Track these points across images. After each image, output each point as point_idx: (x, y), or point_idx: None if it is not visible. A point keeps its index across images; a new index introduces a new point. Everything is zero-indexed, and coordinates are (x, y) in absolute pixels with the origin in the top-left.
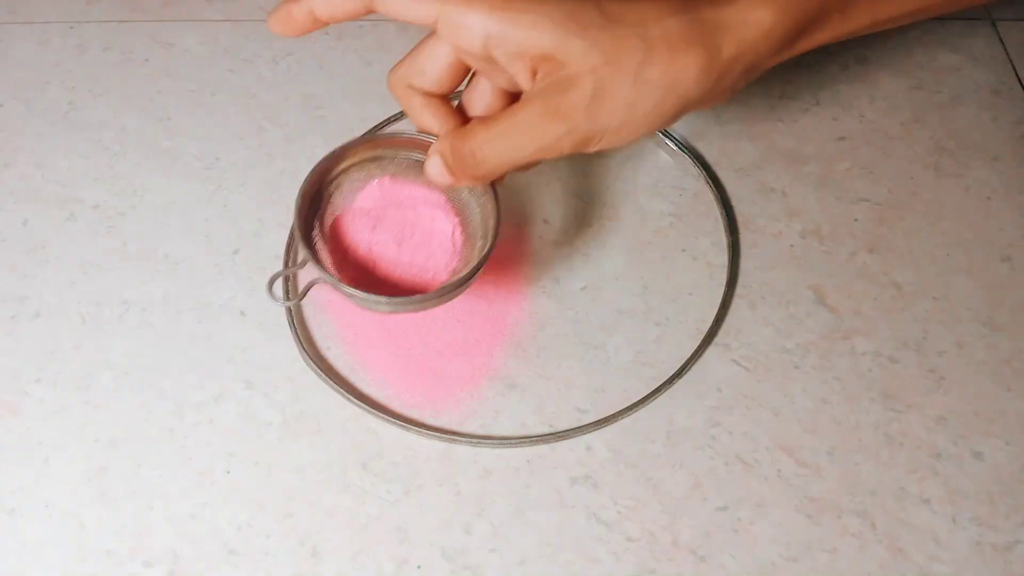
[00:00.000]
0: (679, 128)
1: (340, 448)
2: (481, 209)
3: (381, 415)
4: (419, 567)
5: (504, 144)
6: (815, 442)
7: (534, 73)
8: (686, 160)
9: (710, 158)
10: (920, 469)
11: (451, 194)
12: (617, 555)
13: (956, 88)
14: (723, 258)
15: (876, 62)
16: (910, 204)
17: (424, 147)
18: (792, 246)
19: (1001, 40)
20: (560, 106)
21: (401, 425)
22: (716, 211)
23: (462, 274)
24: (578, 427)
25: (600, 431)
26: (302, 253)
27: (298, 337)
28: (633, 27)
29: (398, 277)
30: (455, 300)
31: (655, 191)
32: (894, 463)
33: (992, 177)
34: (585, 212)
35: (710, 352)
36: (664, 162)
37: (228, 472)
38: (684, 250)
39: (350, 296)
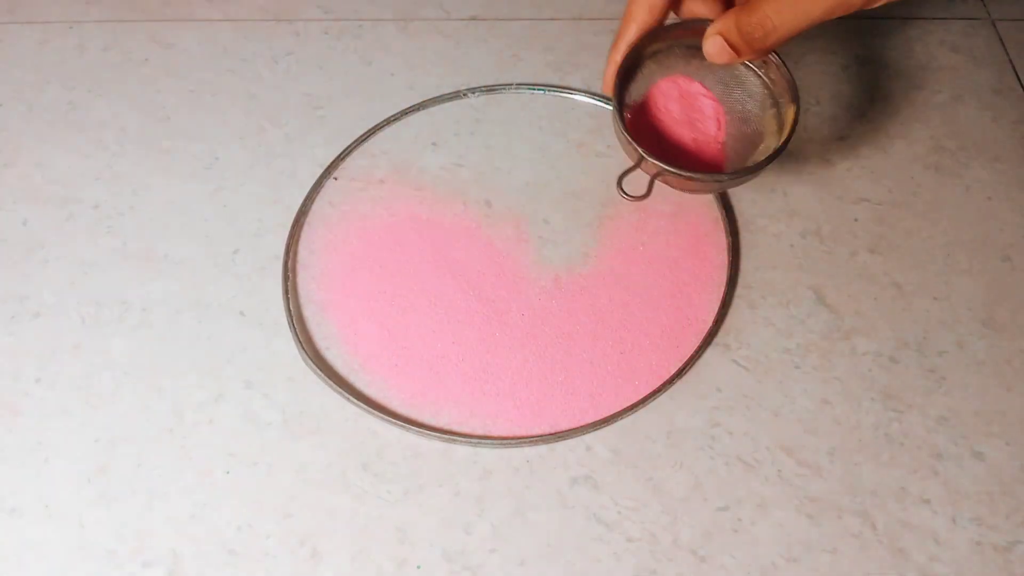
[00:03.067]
0: None
1: (340, 448)
2: (763, 77)
3: (381, 415)
4: (419, 567)
5: (795, 9)
6: (816, 442)
7: None
8: None
9: None
10: (920, 469)
11: (726, 73)
12: (617, 555)
13: (956, 88)
14: (723, 258)
15: (876, 62)
16: (910, 204)
17: (694, 32)
18: (792, 246)
19: (1001, 40)
20: None
21: (401, 425)
22: (716, 211)
23: (783, 139)
24: (578, 427)
25: (600, 431)
26: (634, 154)
27: (298, 337)
28: None
29: (685, 158)
30: (455, 302)
31: (655, 190)
32: (894, 463)
33: (992, 177)
34: (585, 212)
35: (710, 352)
36: None
37: (228, 472)
38: (684, 250)
39: (690, 179)
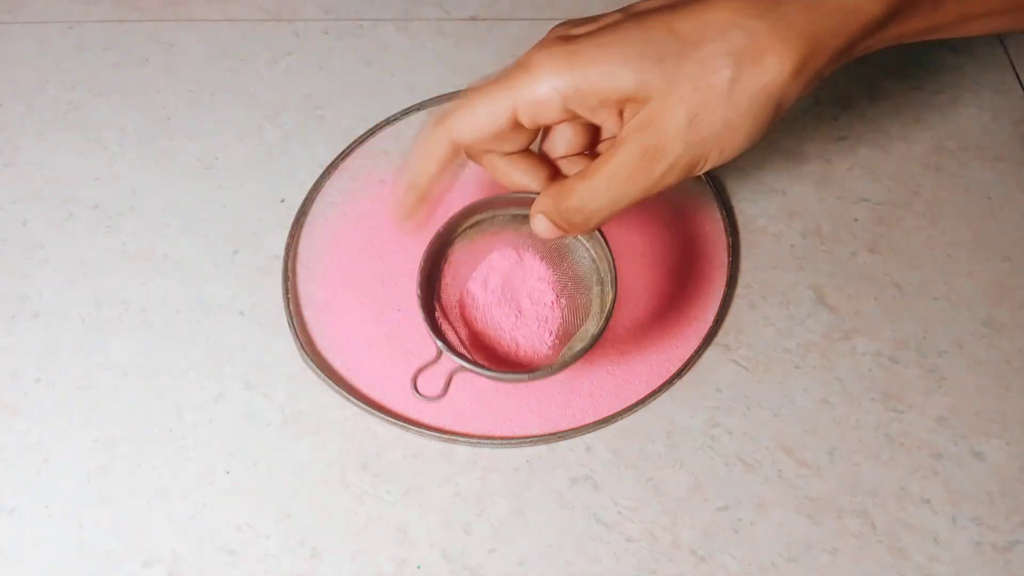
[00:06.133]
0: None
1: (340, 448)
2: (591, 252)
3: (381, 415)
4: (419, 567)
5: (608, 193)
6: (815, 442)
7: (621, 114)
8: None
9: None
10: (920, 469)
11: (556, 242)
12: (617, 555)
13: (956, 88)
14: (723, 258)
15: (876, 62)
16: (910, 204)
17: (520, 203)
18: (792, 246)
19: (1001, 40)
20: (658, 144)
21: (401, 425)
22: (716, 211)
23: (598, 327)
24: (578, 427)
25: (600, 431)
26: (437, 343)
27: (297, 337)
28: (713, 43)
29: (508, 347)
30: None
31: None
32: (894, 463)
33: (992, 177)
34: None
35: (710, 352)
36: None
37: (228, 472)
38: (684, 250)
39: (491, 377)
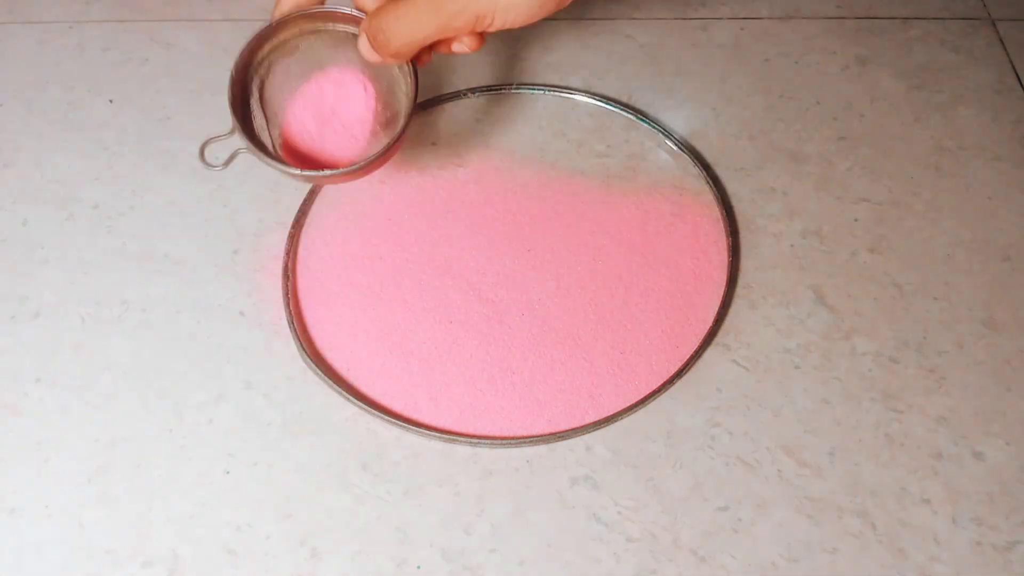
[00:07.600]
0: (679, 128)
1: (340, 448)
2: (405, 89)
3: (381, 415)
4: (419, 567)
5: (406, 19)
6: (816, 442)
7: None
8: (686, 160)
9: (710, 158)
10: (920, 469)
11: (382, 72)
12: (617, 555)
13: (956, 88)
14: (723, 258)
15: (876, 62)
16: (910, 204)
17: (359, 23)
18: (792, 246)
19: (1001, 40)
20: None
21: (401, 425)
22: (716, 211)
23: (372, 153)
24: (578, 427)
25: (600, 431)
26: (232, 119)
27: (297, 337)
28: None
29: (319, 154)
30: (455, 302)
31: (655, 191)
32: (894, 463)
33: (992, 177)
34: (585, 212)
35: (710, 352)
36: (664, 162)
37: (228, 472)
38: (684, 250)
39: (270, 166)
